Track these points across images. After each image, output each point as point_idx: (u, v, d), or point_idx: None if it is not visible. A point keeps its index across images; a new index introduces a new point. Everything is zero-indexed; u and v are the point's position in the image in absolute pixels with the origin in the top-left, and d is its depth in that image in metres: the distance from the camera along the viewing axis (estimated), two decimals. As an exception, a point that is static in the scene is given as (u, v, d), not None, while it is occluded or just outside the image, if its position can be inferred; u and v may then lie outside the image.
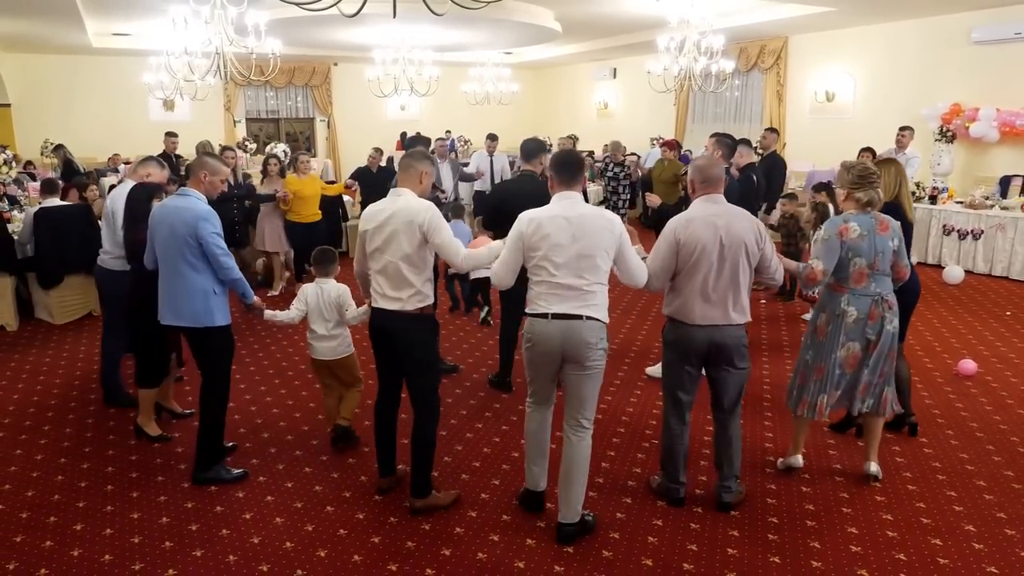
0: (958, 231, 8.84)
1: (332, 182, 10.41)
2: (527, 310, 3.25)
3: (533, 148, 4.95)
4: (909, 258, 3.76)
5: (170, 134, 9.56)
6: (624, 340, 6.21)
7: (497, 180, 9.57)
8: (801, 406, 3.75)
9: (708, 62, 8.78)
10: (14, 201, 8.32)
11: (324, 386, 4.32)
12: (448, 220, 3.84)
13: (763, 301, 7.41)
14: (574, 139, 11.70)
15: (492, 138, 10.01)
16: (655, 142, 11.98)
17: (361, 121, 16.44)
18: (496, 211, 5.02)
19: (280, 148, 12.00)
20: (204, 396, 3.79)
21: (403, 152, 6.14)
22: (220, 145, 10.29)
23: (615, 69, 16.21)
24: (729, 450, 3.53)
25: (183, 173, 7.96)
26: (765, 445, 4.27)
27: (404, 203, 3.32)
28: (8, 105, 13.49)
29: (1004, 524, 3.45)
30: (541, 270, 3.15)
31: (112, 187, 6.15)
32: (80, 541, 3.33)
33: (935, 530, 3.40)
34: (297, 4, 4.99)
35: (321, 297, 4.13)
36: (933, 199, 9.16)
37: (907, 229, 3.83)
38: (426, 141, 6.06)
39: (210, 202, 3.76)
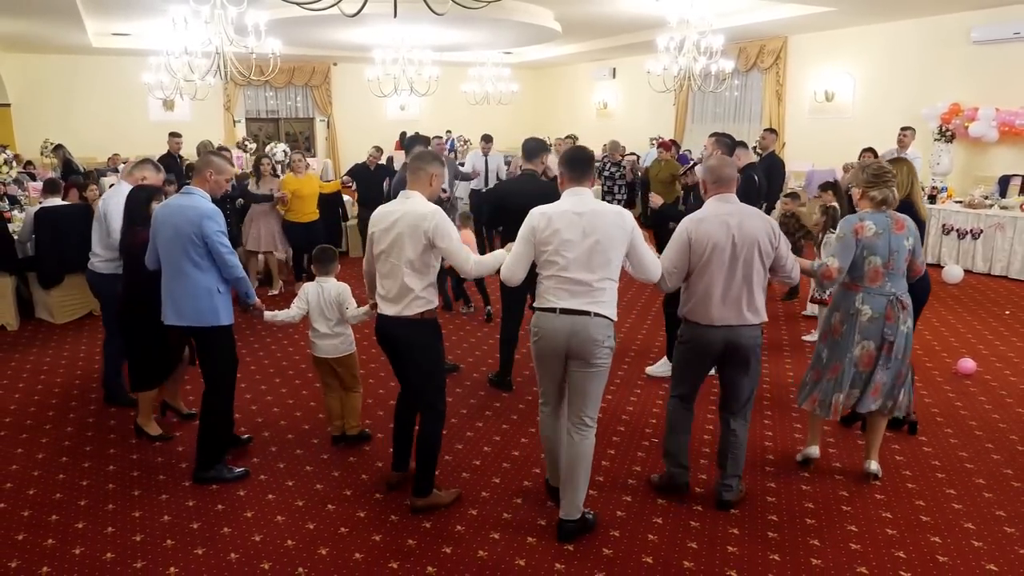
0: (957, 230, 8.86)
1: (328, 182, 10.41)
2: (535, 304, 3.26)
3: (535, 148, 4.96)
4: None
5: (174, 134, 9.55)
6: (624, 339, 6.22)
7: (492, 179, 9.67)
8: (810, 402, 3.77)
9: (708, 62, 8.79)
10: (14, 201, 8.33)
11: (324, 385, 4.32)
12: (458, 229, 3.81)
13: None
14: (574, 139, 11.71)
15: (487, 139, 10.09)
16: (654, 142, 12.00)
17: (361, 121, 16.45)
18: (496, 210, 5.04)
19: (280, 148, 11.99)
20: (206, 395, 3.79)
21: (402, 152, 6.16)
22: (217, 146, 10.29)
23: (615, 69, 16.22)
24: (734, 450, 3.54)
25: (187, 174, 8.00)
26: (765, 444, 4.27)
27: (411, 206, 3.31)
28: (8, 105, 13.51)
29: (1003, 522, 3.46)
30: (551, 265, 3.15)
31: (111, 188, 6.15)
32: (82, 539, 3.34)
33: (934, 528, 3.41)
34: (298, 4, 5.00)
35: (322, 296, 4.14)
36: (932, 199, 9.18)
37: (920, 227, 3.86)
38: (425, 140, 6.07)
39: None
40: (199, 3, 6.82)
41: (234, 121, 15.80)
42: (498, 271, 3.38)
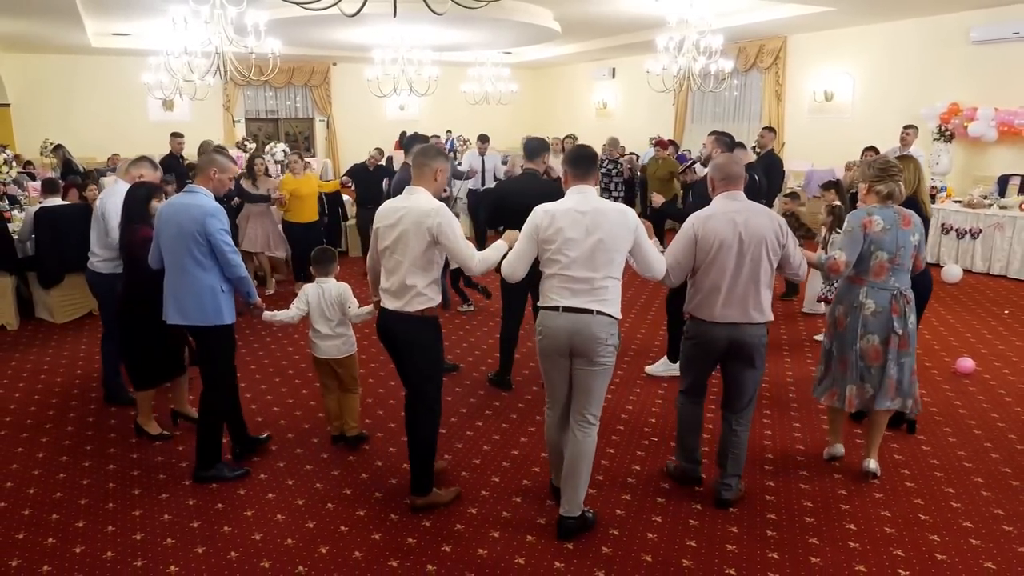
0: (956, 230, 8.87)
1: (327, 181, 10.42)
2: (539, 303, 3.27)
3: (536, 147, 4.98)
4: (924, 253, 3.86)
5: (175, 134, 9.54)
6: (624, 338, 6.19)
7: (489, 179, 9.74)
8: (829, 396, 3.80)
9: (707, 62, 8.80)
10: (14, 201, 8.33)
11: (323, 386, 4.31)
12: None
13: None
14: (573, 139, 11.72)
15: (483, 139, 10.15)
16: (653, 141, 12.02)
17: (361, 121, 16.45)
18: (497, 209, 5.04)
19: (279, 148, 12.00)
20: (205, 394, 3.79)
21: (401, 152, 6.16)
22: (214, 146, 10.28)
23: (614, 69, 16.23)
24: (735, 449, 3.55)
25: (188, 174, 7.98)
26: (764, 443, 4.28)
27: (416, 202, 3.31)
28: (8, 105, 13.50)
29: (1001, 520, 3.47)
30: (554, 263, 3.16)
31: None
32: (82, 538, 3.35)
33: (933, 526, 3.42)
34: (298, 3, 5.01)
35: (322, 296, 4.13)
36: (932, 198, 9.17)
37: (924, 224, 3.93)
38: (423, 139, 6.08)
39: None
40: (199, 3, 6.82)
41: (233, 121, 15.80)
42: (499, 267, 3.39)
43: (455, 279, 7.06)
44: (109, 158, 12.68)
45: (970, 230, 8.74)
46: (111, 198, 4.58)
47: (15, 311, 6.68)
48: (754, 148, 8.15)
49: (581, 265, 3.11)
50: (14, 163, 9.27)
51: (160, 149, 9.72)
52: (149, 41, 10.91)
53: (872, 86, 11.19)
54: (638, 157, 11.64)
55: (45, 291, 6.75)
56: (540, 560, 3.17)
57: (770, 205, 7.78)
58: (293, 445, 4.28)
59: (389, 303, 3.39)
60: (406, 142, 5.96)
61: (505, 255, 3.38)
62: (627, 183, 10.06)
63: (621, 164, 10.02)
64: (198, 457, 3.84)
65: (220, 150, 7.36)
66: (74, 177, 8.66)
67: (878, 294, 3.60)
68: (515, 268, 3.28)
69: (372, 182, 8.59)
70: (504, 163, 10.40)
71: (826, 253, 5.87)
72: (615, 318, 3.18)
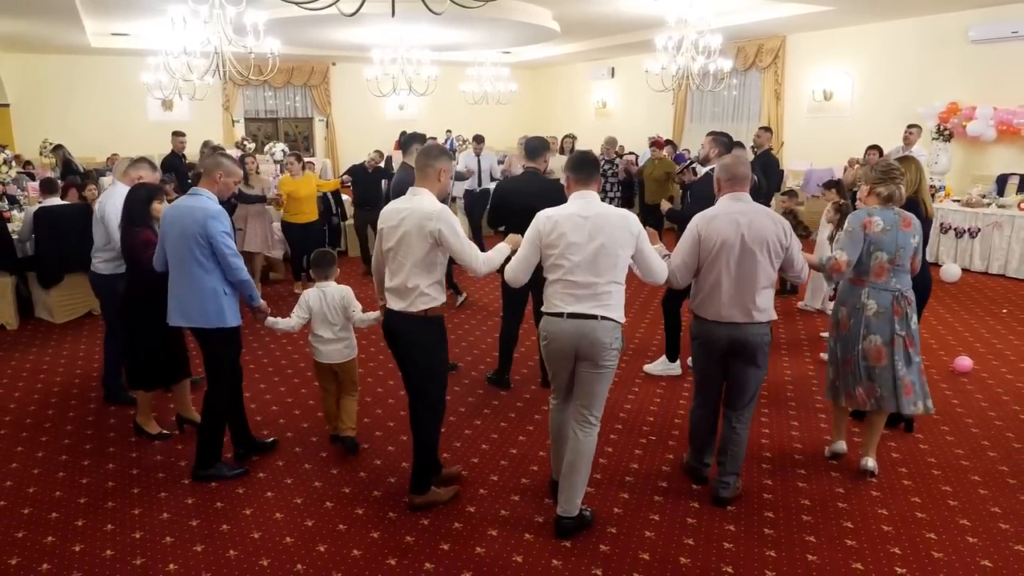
0: (955, 229, 8.88)
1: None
2: (543, 308, 3.28)
3: (537, 146, 5.00)
4: (924, 254, 3.91)
5: (177, 133, 9.52)
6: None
7: (486, 179, 9.76)
8: (847, 398, 3.81)
9: (706, 61, 8.81)
10: (14, 201, 8.34)
11: (323, 389, 4.28)
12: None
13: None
14: (572, 139, 11.74)
15: (479, 139, 10.18)
16: (650, 141, 12.04)
17: (360, 121, 16.47)
18: (498, 209, 5.04)
19: (279, 148, 12.01)
20: (208, 395, 3.80)
21: (400, 152, 6.16)
22: (212, 147, 10.29)
23: (613, 68, 16.24)
24: (734, 447, 3.57)
25: (190, 174, 7.99)
26: (761, 442, 4.29)
27: (419, 204, 3.30)
28: (7, 105, 13.50)
29: (998, 518, 3.48)
30: (557, 268, 3.18)
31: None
32: (81, 536, 3.36)
33: (930, 524, 3.43)
34: (296, 3, 5.02)
35: (324, 301, 4.07)
36: (931, 197, 9.19)
37: (925, 224, 4.00)
38: (421, 138, 6.08)
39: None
40: (198, 3, 6.83)
41: (233, 121, 15.81)
42: (501, 269, 3.41)
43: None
44: (108, 158, 12.70)
45: (969, 229, 8.75)
46: (111, 200, 4.57)
47: (15, 311, 6.69)
48: (752, 148, 8.15)
49: (584, 270, 3.13)
50: (14, 163, 9.28)
51: (159, 149, 9.75)
52: (148, 41, 10.93)
53: (871, 85, 11.21)
54: (637, 157, 11.65)
55: (45, 291, 6.76)
56: (538, 558, 3.18)
57: (768, 204, 7.80)
58: (292, 444, 4.29)
59: (394, 303, 3.40)
60: (404, 141, 5.96)
61: (509, 257, 3.40)
62: (625, 184, 10.06)
63: (617, 164, 10.03)
64: (198, 456, 3.85)
65: (219, 151, 7.40)
66: (73, 177, 8.67)
67: (879, 295, 3.64)
68: (518, 273, 3.31)
69: (371, 183, 8.61)
70: (500, 163, 10.42)
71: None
72: (619, 322, 3.20)
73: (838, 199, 6.27)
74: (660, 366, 5.39)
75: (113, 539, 3.33)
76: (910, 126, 8.61)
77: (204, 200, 3.66)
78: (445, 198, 3.50)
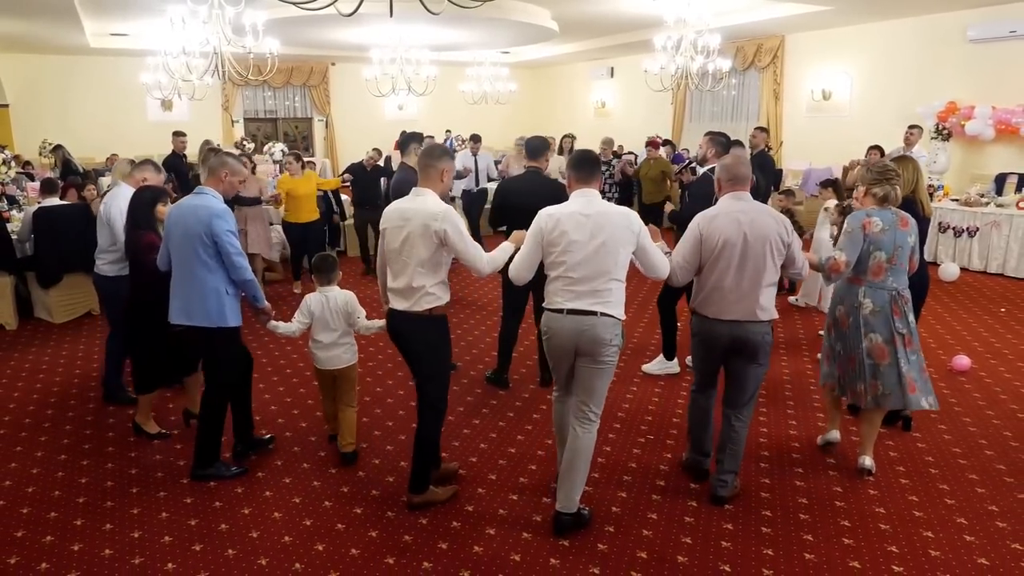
0: (954, 228, 8.89)
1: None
2: (544, 304, 3.32)
3: (538, 146, 5.02)
4: (922, 253, 3.97)
5: (178, 133, 9.51)
6: (621, 337, 6.24)
7: (483, 179, 9.78)
8: (850, 394, 3.87)
9: (705, 61, 8.81)
10: (13, 201, 8.35)
11: (323, 391, 4.23)
12: None
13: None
14: (572, 138, 11.76)
15: (475, 139, 10.20)
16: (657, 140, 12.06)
17: (359, 121, 16.48)
18: (500, 209, 5.03)
19: (278, 147, 12.02)
20: (206, 394, 3.81)
21: (400, 152, 6.17)
22: (209, 147, 10.31)
23: (612, 68, 16.25)
24: (733, 445, 3.59)
25: (190, 173, 8.00)
26: (759, 440, 4.30)
27: (422, 204, 3.31)
28: (6, 105, 13.53)
29: (995, 517, 3.48)
30: (558, 265, 3.21)
31: (109, 188, 6.15)
32: (80, 536, 3.36)
33: (927, 523, 3.44)
34: (294, 3, 5.03)
35: (327, 305, 3.98)
36: (929, 196, 9.20)
37: (923, 223, 4.08)
38: (419, 137, 6.09)
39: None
40: (196, 3, 6.83)
41: (232, 121, 15.83)
42: (505, 268, 3.43)
43: None
44: (108, 158, 12.72)
45: (967, 228, 8.76)
46: (116, 201, 4.56)
47: (14, 311, 6.69)
48: (748, 148, 8.15)
49: (585, 267, 3.16)
50: (13, 163, 9.29)
51: (158, 149, 9.75)
52: (147, 41, 10.93)
53: (870, 85, 11.22)
54: (637, 157, 11.65)
55: (44, 291, 6.77)
56: (536, 557, 3.19)
57: (764, 203, 7.80)
58: (290, 444, 4.30)
59: (397, 303, 3.41)
60: (402, 141, 5.97)
61: (512, 256, 3.42)
62: (622, 184, 10.04)
63: (613, 165, 10.04)
64: (196, 455, 3.85)
65: (217, 151, 7.41)
66: (74, 178, 8.68)
67: (876, 293, 3.68)
68: (520, 271, 3.34)
69: (370, 183, 8.60)
70: (497, 163, 10.42)
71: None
72: (619, 319, 3.23)
73: (833, 198, 6.31)
74: (658, 365, 5.40)
75: (112, 538, 3.34)
76: (911, 126, 8.61)
77: (209, 199, 3.66)
78: (444, 198, 3.50)
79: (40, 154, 12.94)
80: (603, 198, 3.35)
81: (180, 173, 8.87)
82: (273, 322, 3.98)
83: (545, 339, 3.34)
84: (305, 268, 7.98)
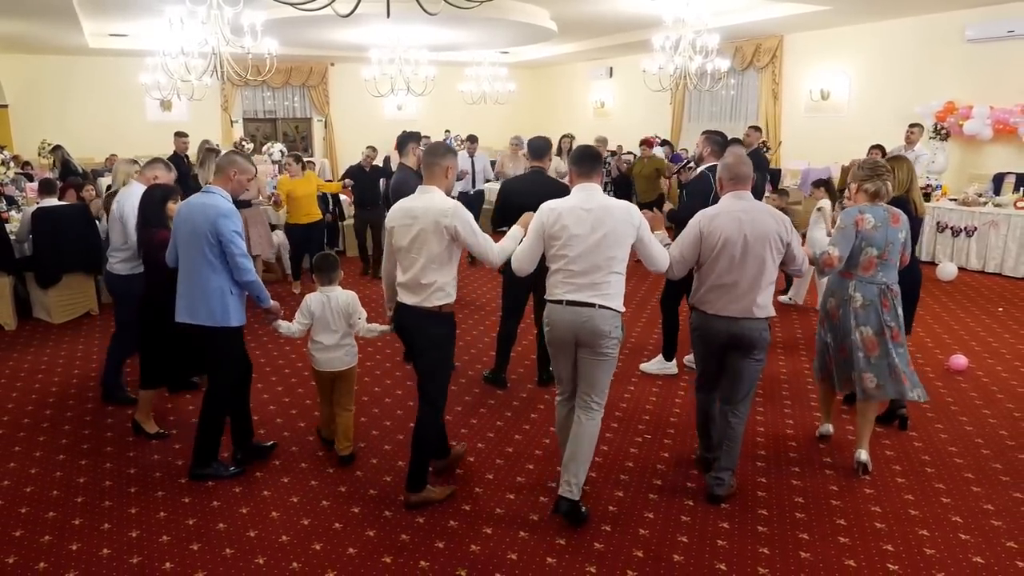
0: (952, 228, 8.90)
1: (329, 182, 10.44)
2: (545, 296, 3.39)
3: (542, 146, 5.04)
4: (914, 251, 4.10)
5: (180, 134, 9.48)
6: (619, 337, 6.25)
7: (479, 179, 9.75)
8: (843, 384, 3.98)
9: (703, 61, 8.83)
10: (12, 201, 8.35)
11: (321, 395, 4.20)
12: None
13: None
14: (571, 138, 11.79)
15: (472, 140, 10.18)
16: (654, 140, 12.07)
17: (358, 121, 16.49)
18: (502, 208, 5.03)
19: (277, 148, 12.03)
20: (209, 394, 3.81)
21: (399, 151, 6.17)
22: (208, 147, 10.30)
23: (611, 68, 16.26)
24: (729, 442, 3.61)
25: (192, 174, 7.99)
26: (756, 439, 4.31)
27: (431, 201, 3.35)
28: (5, 106, 13.54)
29: (991, 515, 3.49)
30: (559, 258, 3.29)
31: (109, 188, 6.16)
32: (78, 535, 3.37)
33: (923, 522, 3.45)
34: (291, 4, 5.03)
35: (328, 306, 3.93)
36: (927, 196, 9.21)
37: (916, 222, 4.21)
38: (416, 137, 6.10)
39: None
40: (195, 3, 6.84)
41: (231, 121, 15.83)
42: (501, 269, 3.46)
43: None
44: (107, 159, 12.72)
45: (965, 228, 8.77)
46: (128, 200, 4.56)
47: (13, 311, 6.70)
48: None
49: (585, 260, 3.22)
50: (12, 164, 9.29)
51: (158, 149, 9.75)
52: (146, 42, 10.93)
53: (868, 85, 11.23)
54: (634, 156, 11.67)
55: (43, 291, 6.77)
56: (532, 556, 3.20)
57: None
58: (289, 443, 4.30)
59: (407, 298, 3.44)
60: (400, 141, 5.97)
61: (522, 240, 3.46)
62: (619, 183, 10.05)
63: (609, 164, 10.06)
64: (195, 454, 3.86)
65: (215, 151, 7.43)
66: (75, 178, 8.67)
67: (866, 287, 3.78)
68: (523, 263, 3.41)
69: (369, 183, 8.59)
70: (493, 163, 10.41)
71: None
72: (618, 311, 3.29)
73: (825, 198, 6.39)
74: (656, 365, 5.41)
75: (110, 538, 3.35)
76: (912, 125, 8.62)
77: (216, 198, 3.65)
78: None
79: (39, 154, 12.95)
80: None
81: (181, 174, 8.85)
82: (277, 320, 3.96)
83: (546, 330, 3.41)
84: (305, 268, 7.99)
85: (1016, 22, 9.09)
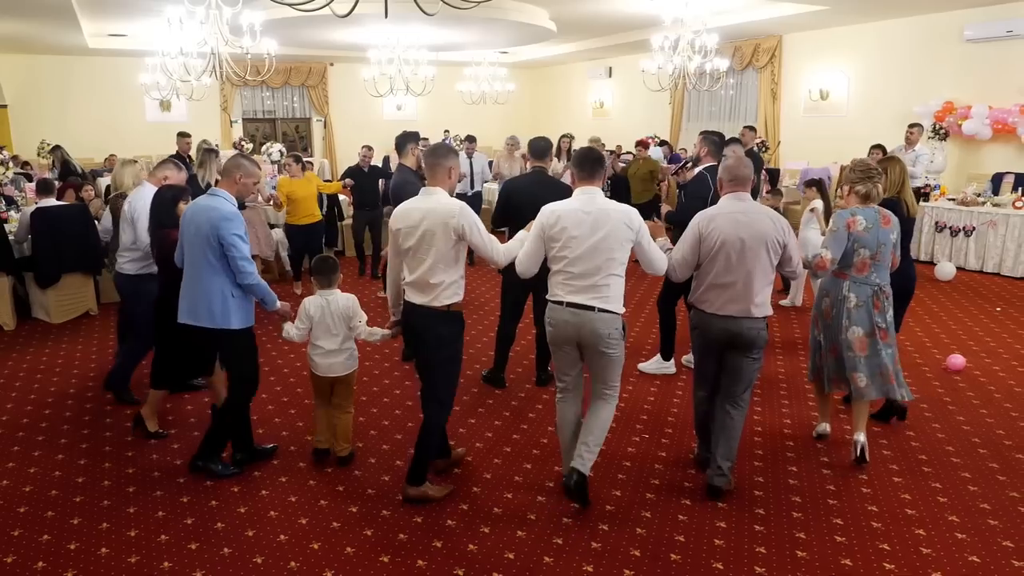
0: (950, 228, 8.91)
1: (328, 181, 10.44)
2: (547, 296, 3.45)
3: (543, 146, 5.06)
4: (909, 250, 4.17)
5: (182, 134, 9.47)
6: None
7: (478, 181, 9.67)
8: (833, 384, 4.04)
9: (702, 61, 8.82)
10: (11, 201, 8.36)
11: (317, 402, 4.07)
12: None
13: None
14: (570, 138, 11.79)
15: (470, 140, 10.14)
16: (651, 141, 12.06)
17: (358, 121, 16.48)
18: (504, 208, 5.04)
19: (276, 148, 12.03)
20: (228, 391, 3.87)
21: (398, 152, 6.17)
22: (206, 147, 10.29)
23: (611, 68, 16.26)
24: (728, 433, 3.63)
25: (192, 174, 7.99)
26: (754, 439, 4.31)
27: (436, 202, 3.37)
28: (5, 106, 13.54)
29: (987, 515, 3.50)
30: (559, 260, 3.35)
31: (108, 188, 6.16)
32: (77, 535, 3.38)
33: (919, 521, 3.46)
34: (290, 4, 5.04)
35: (327, 309, 3.85)
36: (926, 196, 9.22)
37: (908, 223, 4.26)
38: (415, 136, 6.10)
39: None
40: (194, 4, 6.85)
41: (231, 121, 15.83)
42: (501, 270, 3.49)
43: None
44: (106, 159, 12.73)
45: (964, 228, 8.78)
46: (140, 201, 4.57)
47: (12, 311, 6.71)
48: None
49: (584, 263, 3.28)
50: (11, 164, 9.30)
51: (158, 150, 9.76)
52: (145, 42, 10.94)
53: (867, 84, 11.23)
54: (633, 156, 11.67)
55: (42, 291, 6.78)
56: (530, 555, 3.20)
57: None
58: (287, 443, 4.31)
59: (415, 297, 3.45)
60: (399, 141, 5.96)
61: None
62: (615, 183, 10.04)
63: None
64: (202, 446, 3.88)
65: (214, 151, 7.43)
66: (75, 178, 8.68)
67: (860, 288, 3.83)
68: (525, 266, 3.49)
69: (367, 184, 8.58)
70: (490, 164, 10.37)
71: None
72: (617, 313, 3.34)
73: (818, 198, 6.47)
74: (654, 365, 5.42)
75: (108, 537, 3.36)
76: (911, 125, 8.63)
77: (221, 201, 3.65)
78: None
79: (38, 154, 12.95)
80: None
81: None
82: (285, 323, 3.91)
83: (548, 330, 3.47)
84: (305, 269, 7.99)
85: (1015, 22, 9.10)
